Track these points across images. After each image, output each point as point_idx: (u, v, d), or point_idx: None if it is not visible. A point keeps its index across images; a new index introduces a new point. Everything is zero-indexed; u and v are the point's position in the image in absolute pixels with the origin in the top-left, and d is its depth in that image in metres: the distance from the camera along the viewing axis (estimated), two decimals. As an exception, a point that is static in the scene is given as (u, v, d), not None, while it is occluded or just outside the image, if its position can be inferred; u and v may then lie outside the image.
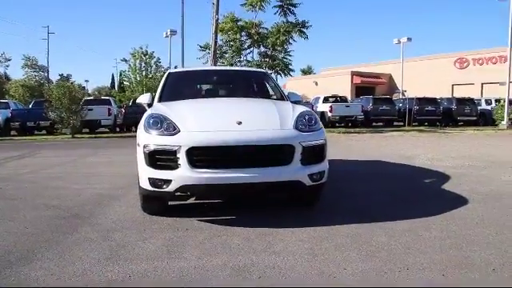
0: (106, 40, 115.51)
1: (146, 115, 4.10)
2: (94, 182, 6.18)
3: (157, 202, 4.11)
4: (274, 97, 5.25)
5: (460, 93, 34.97)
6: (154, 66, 29.96)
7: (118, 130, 19.60)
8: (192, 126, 3.75)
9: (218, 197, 4.68)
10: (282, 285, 2.47)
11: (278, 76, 18.67)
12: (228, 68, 6.37)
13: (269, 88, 5.52)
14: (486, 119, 23.74)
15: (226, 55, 18.48)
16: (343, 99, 22.90)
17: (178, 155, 3.61)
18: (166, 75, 5.38)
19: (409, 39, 39.59)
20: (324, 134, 4.07)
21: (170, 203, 4.26)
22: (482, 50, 42.67)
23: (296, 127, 3.90)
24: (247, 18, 18.09)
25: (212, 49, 17.44)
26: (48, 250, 3.17)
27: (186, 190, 3.68)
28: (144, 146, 3.74)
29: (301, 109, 4.34)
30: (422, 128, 20.63)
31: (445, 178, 6.23)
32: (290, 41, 17.90)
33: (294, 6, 17.49)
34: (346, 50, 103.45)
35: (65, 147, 12.94)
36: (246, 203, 4.64)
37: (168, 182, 3.64)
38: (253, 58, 18.45)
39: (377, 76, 45.75)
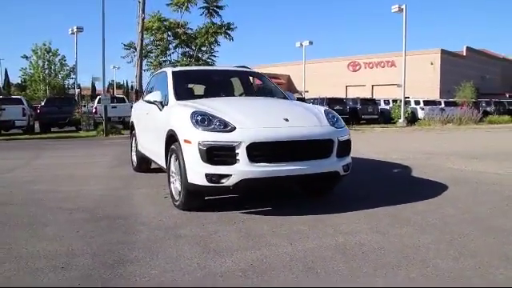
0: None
1: (185, 113, 4.17)
2: (80, 183, 5.90)
3: (198, 198, 4.21)
4: (281, 96, 5.58)
5: (353, 93, 38.54)
6: (59, 64, 27.84)
7: (37, 130, 18.17)
8: (246, 123, 3.95)
9: (268, 189, 4.93)
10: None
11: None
12: (227, 68, 6.48)
13: (271, 87, 5.84)
14: (385, 118, 26.56)
15: (152, 54, 18.10)
16: None
17: (237, 151, 3.79)
18: (170, 74, 5.36)
19: (310, 43, 42.38)
20: (348, 130, 4.56)
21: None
22: (372, 55, 47.24)
23: (331, 124, 4.33)
24: (172, 18, 17.93)
25: (138, 48, 16.97)
26: (144, 250, 3.13)
27: (245, 183, 3.85)
28: (199, 143, 3.84)
29: (319, 107, 4.78)
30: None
31: (406, 168, 7.13)
32: (213, 42, 18.12)
33: (220, 8, 17.81)
34: (251, 54, 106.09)
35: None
36: (262, 197, 4.86)
37: (227, 176, 3.81)
38: (178, 58, 18.30)
39: (275, 77, 48.03)
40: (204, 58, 18.48)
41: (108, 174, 6.91)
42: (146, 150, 5.97)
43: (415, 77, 35.54)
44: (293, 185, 4.96)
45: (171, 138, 4.45)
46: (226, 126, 3.93)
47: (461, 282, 2.56)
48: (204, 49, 18.18)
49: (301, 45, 43.13)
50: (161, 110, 5.03)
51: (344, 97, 32.97)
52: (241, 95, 5.68)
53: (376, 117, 26.46)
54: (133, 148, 7.09)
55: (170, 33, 17.39)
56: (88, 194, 5.23)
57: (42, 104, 18.93)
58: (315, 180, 4.35)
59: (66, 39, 29.78)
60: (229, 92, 5.64)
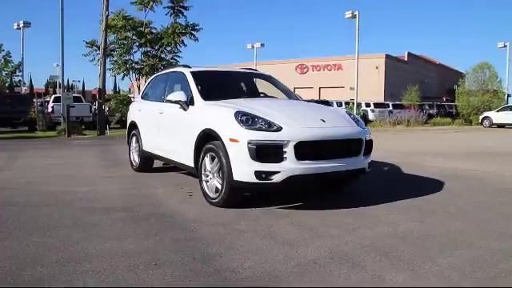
0: None
1: (228, 112, 4.33)
2: (89, 184, 5.78)
3: (238, 196, 4.38)
4: (296, 98, 5.86)
5: (301, 95, 39.76)
6: (3, 61, 26.13)
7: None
8: (290, 123, 4.18)
9: (308, 185, 5.17)
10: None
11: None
12: (242, 70, 6.62)
13: (286, 89, 6.12)
14: (338, 119, 27.60)
15: (115, 53, 17.62)
16: None
17: (285, 149, 4.02)
18: (189, 74, 5.44)
19: (262, 45, 43.09)
20: (370, 131, 4.94)
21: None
22: (319, 58, 48.84)
23: (356, 125, 4.68)
24: (137, 16, 17.57)
25: (102, 46, 16.49)
26: (221, 245, 3.26)
27: (292, 180, 4.08)
28: (249, 142, 4.02)
29: (341, 110, 5.14)
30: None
31: (393, 166, 7.68)
32: (179, 43, 17.99)
33: (186, 8, 17.72)
34: (202, 55, 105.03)
35: None
36: (281, 194, 5.07)
37: (276, 173, 4.02)
38: (141, 57, 17.97)
39: None
40: (167, 59, 18.26)
41: (108, 174, 6.80)
42: (159, 149, 5.98)
43: (362, 80, 37.33)
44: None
45: (207, 137, 4.57)
46: (270, 126, 4.14)
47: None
48: (168, 49, 17.99)
49: (252, 46, 43.84)
50: (185, 109, 5.11)
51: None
52: (258, 96, 5.89)
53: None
54: (133, 148, 7.03)
55: (134, 32, 17.04)
56: (107, 194, 5.18)
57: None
58: (351, 176, 4.68)
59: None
60: (247, 93, 5.83)
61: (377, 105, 30.08)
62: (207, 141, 4.60)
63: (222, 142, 4.28)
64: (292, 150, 4.03)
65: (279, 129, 4.11)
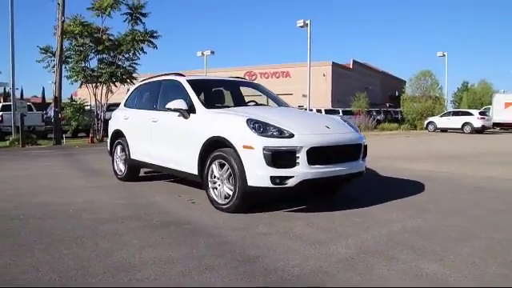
0: None
1: (239, 120, 4.49)
2: (83, 194, 5.66)
3: (249, 201, 4.53)
4: (287, 105, 6.10)
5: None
6: None
7: None
8: (300, 130, 4.41)
9: (315, 188, 5.41)
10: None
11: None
12: (233, 78, 6.73)
13: (276, 97, 6.34)
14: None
15: (70, 60, 16.98)
16: None
17: (297, 154, 4.24)
18: (186, 83, 5.51)
19: (212, 52, 43.17)
20: (363, 136, 5.30)
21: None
22: (267, 66, 49.71)
23: (355, 131, 5.01)
24: (93, 23, 17.07)
25: (58, 52, 15.87)
26: (257, 248, 3.42)
27: (304, 183, 4.29)
28: (264, 148, 4.20)
29: (336, 117, 5.45)
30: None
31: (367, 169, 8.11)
32: (139, 50, 17.70)
33: (144, 15, 17.48)
34: (152, 62, 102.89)
35: None
36: (281, 198, 5.29)
37: (290, 178, 4.23)
38: (97, 64, 17.45)
39: None
40: (124, 66, 17.89)
41: (93, 184, 6.66)
42: (152, 158, 5.96)
43: (311, 87, 38.52)
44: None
45: (214, 144, 4.69)
46: (281, 133, 4.35)
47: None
48: (126, 56, 17.64)
49: (202, 54, 43.82)
50: (186, 117, 5.18)
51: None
52: (253, 104, 6.06)
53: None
54: (118, 157, 6.94)
55: (92, 38, 16.56)
56: (105, 204, 5.11)
57: None
58: (352, 179, 4.97)
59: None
60: (243, 101, 6.00)
61: (327, 111, 31.11)
62: (215, 148, 4.71)
63: (235, 149, 4.41)
64: (305, 155, 4.26)
65: (291, 135, 4.32)
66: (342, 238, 3.66)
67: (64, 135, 16.51)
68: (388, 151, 12.62)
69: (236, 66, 51.81)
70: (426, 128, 27.66)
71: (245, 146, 4.33)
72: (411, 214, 4.51)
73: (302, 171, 4.26)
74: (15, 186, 6.54)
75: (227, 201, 4.56)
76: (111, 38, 17.13)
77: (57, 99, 16.15)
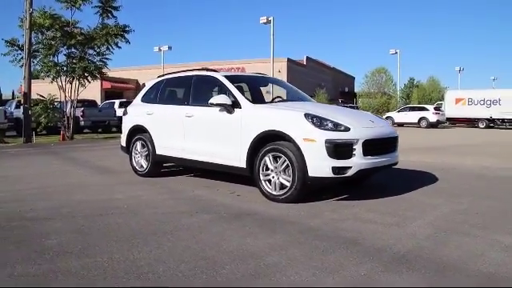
0: None
1: (297, 114, 4.81)
2: (120, 191, 5.68)
3: (307, 190, 4.83)
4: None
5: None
6: None
7: None
8: (353, 124, 4.80)
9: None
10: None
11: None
12: (260, 75, 6.95)
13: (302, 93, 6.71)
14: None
15: (38, 53, 16.22)
16: (92, 104, 22.70)
17: (354, 147, 4.63)
18: (224, 79, 5.70)
19: (169, 48, 42.65)
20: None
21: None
22: (222, 61, 49.66)
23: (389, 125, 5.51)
24: (62, 15, 16.37)
25: (26, 45, 15.13)
26: (350, 230, 3.76)
27: (359, 173, 4.70)
28: (326, 141, 4.54)
29: (368, 112, 5.92)
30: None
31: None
32: (113, 45, 17.21)
33: (115, 8, 17.04)
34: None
35: None
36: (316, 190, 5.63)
37: (349, 168, 4.61)
38: (67, 59, 16.78)
39: (125, 81, 46.96)
40: (95, 61, 17.31)
41: (119, 180, 6.59)
42: (188, 153, 6.02)
43: (269, 83, 39.28)
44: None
45: (268, 138, 4.95)
46: (337, 127, 4.71)
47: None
48: (98, 51, 17.11)
49: (159, 49, 43.15)
50: (231, 112, 5.38)
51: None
52: (280, 100, 6.37)
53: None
54: (138, 153, 6.94)
55: (62, 32, 15.90)
56: (154, 199, 5.19)
57: None
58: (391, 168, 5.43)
59: None
60: (271, 96, 6.30)
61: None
62: (267, 141, 4.97)
63: (294, 142, 4.70)
64: (361, 147, 4.66)
65: (347, 129, 4.70)
66: (409, 220, 4.09)
67: (34, 132, 15.83)
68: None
69: (192, 62, 51.29)
70: (384, 122, 29.09)
71: (305, 139, 4.64)
72: (448, 198, 5.04)
73: (357, 162, 4.65)
74: (35, 184, 6.39)
75: (284, 191, 4.82)
76: (83, 31, 16.55)
77: (26, 95, 15.44)
